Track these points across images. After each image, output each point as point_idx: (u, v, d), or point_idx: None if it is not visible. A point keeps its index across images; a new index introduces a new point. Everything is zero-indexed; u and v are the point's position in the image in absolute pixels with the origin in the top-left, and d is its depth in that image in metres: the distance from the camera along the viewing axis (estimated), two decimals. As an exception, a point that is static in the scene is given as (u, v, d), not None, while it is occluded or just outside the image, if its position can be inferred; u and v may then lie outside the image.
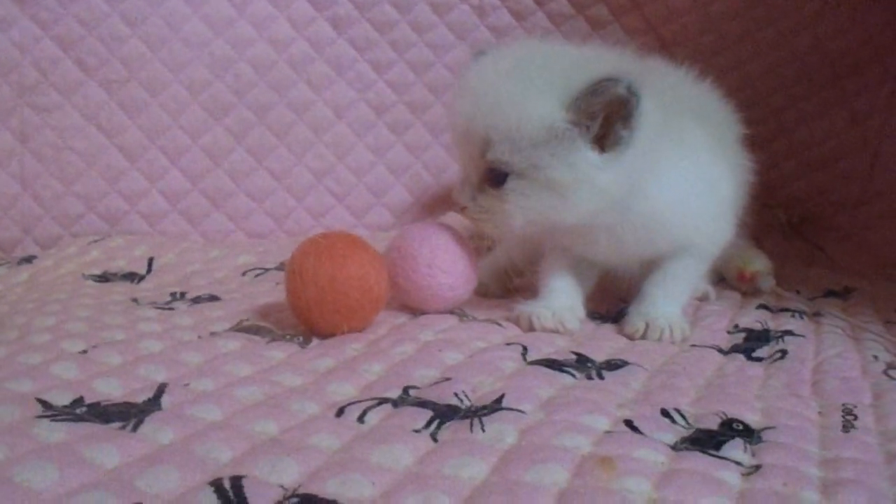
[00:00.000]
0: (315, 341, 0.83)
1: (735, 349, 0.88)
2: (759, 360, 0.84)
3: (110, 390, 0.65)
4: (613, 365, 0.77)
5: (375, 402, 0.64)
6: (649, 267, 0.96)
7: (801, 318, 1.02)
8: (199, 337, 0.83)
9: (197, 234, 1.36)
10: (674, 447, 0.58)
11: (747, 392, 0.72)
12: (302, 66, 1.37)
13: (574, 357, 0.78)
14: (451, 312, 0.93)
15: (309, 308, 0.82)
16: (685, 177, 0.90)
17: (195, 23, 1.32)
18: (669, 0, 1.41)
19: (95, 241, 1.27)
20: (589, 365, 0.76)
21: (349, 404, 0.64)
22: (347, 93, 1.40)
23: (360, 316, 0.83)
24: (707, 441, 0.59)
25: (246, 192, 1.37)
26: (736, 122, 1.07)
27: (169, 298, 1.01)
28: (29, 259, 1.22)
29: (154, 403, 0.63)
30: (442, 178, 1.45)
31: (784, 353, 0.86)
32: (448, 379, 0.69)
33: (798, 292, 1.17)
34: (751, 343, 0.90)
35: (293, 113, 1.38)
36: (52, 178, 1.29)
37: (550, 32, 1.42)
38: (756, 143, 1.52)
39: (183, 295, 1.03)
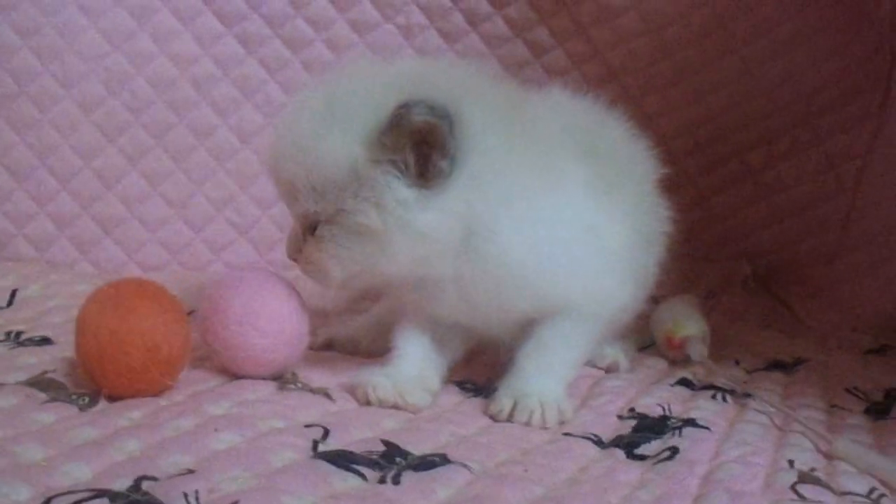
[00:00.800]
0: (101, 404, 0.72)
1: (616, 442, 0.74)
2: (641, 458, 0.71)
3: None
4: (429, 463, 0.63)
5: (91, 494, 0.53)
6: (527, 331, 0.83)
7: (724, 400, 0.88)
8: (-20, 391, 0.72)
9: (87, 263, 1.26)
10: None
11: (592, 505, 0.59)
12: (206, 86, 1.28)
13: (382, 449, 0.65)
14: (276, 378, 0.81)
15: (91, 365, 0.72)
16: (551, 221, 0.77)
17: (91, 35, 1.23)
18: (617, 24, 1.28)
19: (-39, 268, 1.17)
20: (398, 461, 0.63)
21: (62, 494, 0.53)
22: (254, 117, 1.30)
23: (146, 378, 0.72)
24: None
25: (139, 220, 1.27)
26: (649, 162, 0.94)
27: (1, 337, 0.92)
28: None
29: None
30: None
31: (674, 451, 0.71)
32: (191, 472, 0.57)
33: (737, 362, 1.04)
34: (639, 434, 0.76)
35: (193, 136, 1.28)
36: (-69, 198, 1.21)
37: (485, 56, 1.31)
38: (719, 185, 1.42)
39: (19, 335, 0.94)
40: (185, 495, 0.53)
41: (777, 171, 1.39)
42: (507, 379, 0.82)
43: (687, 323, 1.03)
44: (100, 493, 0.53)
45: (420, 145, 0.70)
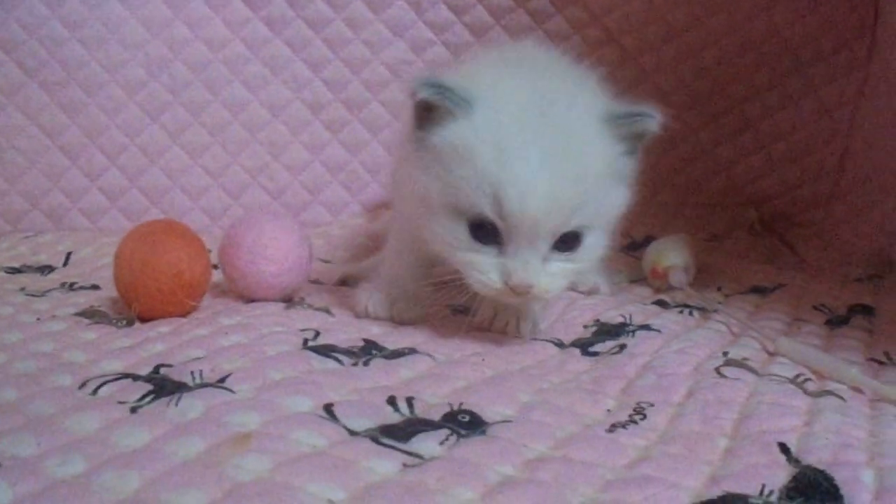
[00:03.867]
0: (136, 325, 0.84)
1: (574, 343, 0.82)
2: (594, 354, 0.79)
3: None
4: (398, 353, 0.74)
5: (118, 376, 0.65)
6: None
7: (690, 314, 0.95)
8: (38, 319, 0.86)
9: (136, 231, 1.38)
10: (353, 433, 0.55)
11: (529, 386, 0.67)
12: (237, 66, 1.39)
13: (361, 344, 0.76)
14: (285, 301, 0.92)
15: (126, 292, 0.84)
16: None
17: (132, 25, 1.35)
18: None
19: (27, 237, 1.31)
20: (373, 352, 0.74)
21: (95, 378, 0.65)
22: (283, 92, 1.41)
23: (173, 301, 0.84)
24: (401, 430, 0.56)
25: (182, 190, 1.39)
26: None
27: (54, 287, 1.04)
28: (-35, 254, 1.27)
29: None
30: (379, 176, 1.44)
31: (622, 347, 0.80)
32: (199, 359, 0.69)
33: (719, 288, 1.10)
34: (597, 338, 0.84)
35: (228, 112, 1.39)
36: (-4, 177, 1.34)
37: (490, 26, 1.40)
38: (719, 137, 1.49)
39: (72, 285, 1.06)
40: (192, 373, 0.65)
41: (774, 121, 1.46)
42: None
43: (670, 255, 1.10)
44: (125, 376, 0.65)
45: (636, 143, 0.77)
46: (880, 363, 0.79)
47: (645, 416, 0.62)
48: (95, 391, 0.63)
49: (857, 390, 0.69)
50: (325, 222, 1.43)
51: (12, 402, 0.60)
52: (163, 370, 0.67)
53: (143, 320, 0.85)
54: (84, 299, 0.96)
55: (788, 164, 1.47)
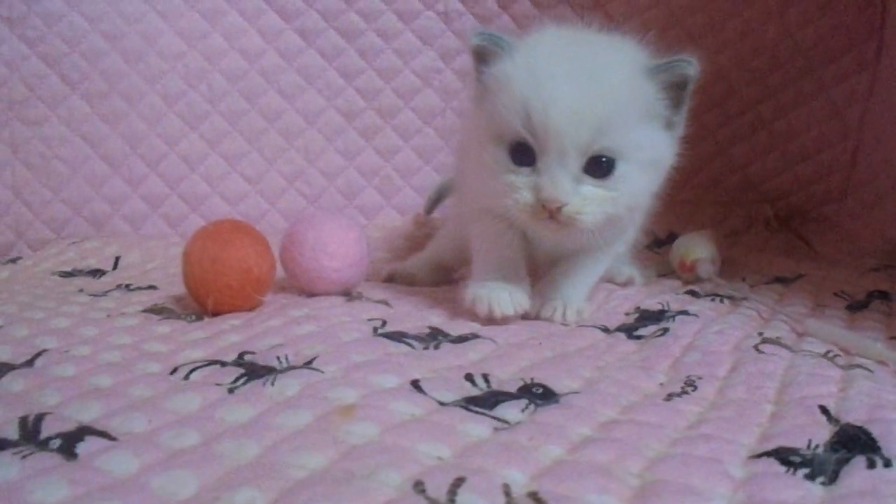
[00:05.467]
0: (206, 320, 0.89)
1: (619, 328, 0.88)
2: (639, 337, 0.84)
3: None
4: (462, 338, 0.79)
5: (206, 363, 0.70)
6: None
7: (721, 302, 1.00)
8: (108, 316, 0.90)
9: (176, 236, 1.43)
10: (442, 403, 0.60)
11: (589, 363, 0.72)
12: (273, 76, 1.44)
13: (427, 331, 0.81)
14: (345, 295, 0.97)
15: (196, 288, 0.88)
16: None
17: (170, 37, 1.41)
18: (631, -3, 1.43)
19: (74, 243, 1.36)
20: (439, 338, 0.79)
21: (185, 364, 0.70)
22: (317, 100, 1.46)
23: (242, 295, 0.88)
24: (485, 401, 0.61)
25: (221, 196, 1.44)
26: None
27: (111, 289, 1.09)
28: (14, 260, 1.33)
29: (28, 364, 0.71)
30: (412, 180, 1.50)
31: (666, 330, 0.85)
32: (280, 345, 0.74)
33: (743, 279, 1.15)
34: (640, 323, 0.89)
35: (265, 120, 1.45)
36: (40, 186, 1.39)
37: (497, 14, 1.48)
38: (736, 137, 1.54)
39: (128, 286, 1.11)
40: (277, 357, 0.70)
41: (787, 121, 1.51)
42: (539, 286, 0.94)
43: (697, 248, 1.15)
44: (213, 362, 0.70)
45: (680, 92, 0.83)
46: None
47: (696, 388, 0.67)
48: (187, 376, 0.67)
49: (882, 363, 0.75)
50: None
51: (109, 387, 0.65)
52: (247, 356, 0.72)
53: (213, 315, 0.89)
54: (146, 298, 1.01)
55: (802, 162, 1.52)
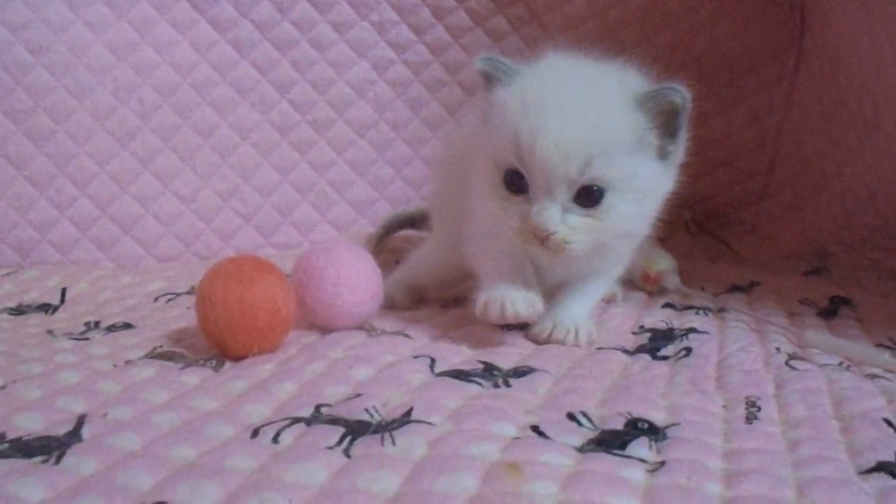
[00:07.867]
0: (228, 364, 0.85)
1: (640, 349, 0.91)
2: (664, 358, 0.88)
3: (30, 424, 0.66)
4: (520, 372, 0.80)
5: (289, 421, 0.67)
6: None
7: (706, 314, 1.06)
8: (115, 366, 0.84)
9: (108, 261, 1.36)
10: (580, 449, 0.61)
11: (652, 391, 0.76)
12: (205, 89, 1.39)
13: (481, 367, 0.81)
14: (360, 328, 0.96)
15: (220, 331, 0.84)
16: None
17: (98, 49, 1.33)
18: (567, 9, 1.46)
19: (8, 274, 1.27)
20: (495, 373, 0.80)
21: (264, 425, 0.66)
22: (251, 114, 1.42)
23: (270, 337, 0.85)
24: (612, 441, 0.62)
25: (154, 217, 1.38)
26: None
27: (83, 328, 1.02)
28: (-61, 294, 1.21)
29: (75, 435, 0.64)
30: (347, 194, 1.48)
31: (689, 350, 0.89)
32: (359, 395, 0.72)
33: (703, 289, 1.21)
34: (656, 342, 0.93)
35: (198, 136, 1.40)
36: (-39, 211, 1.29)
37: (449, 45, 1.46)
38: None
39: (97, 324, 1.04)
40: (366, 410, 0.69)
41: (708, 128, 1.58)
42: (547, 309, 0.95)
43: (658, 259, 1.21)
44: (295, 420, 0.67)
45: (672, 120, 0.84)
46: (889, 348, 0.92)
47: (759, 409, 0.71)
48: (276, 439, 0.64)
49: (892, 371, 0.82)
50: (295, 243, 1.46)
51: (195, 460, 0.60)
52: (323, 409, 0.70)
53: (234, 359, 0.86)
54: (134, 340, 0.94)
55: (721, 167, 1.60)
